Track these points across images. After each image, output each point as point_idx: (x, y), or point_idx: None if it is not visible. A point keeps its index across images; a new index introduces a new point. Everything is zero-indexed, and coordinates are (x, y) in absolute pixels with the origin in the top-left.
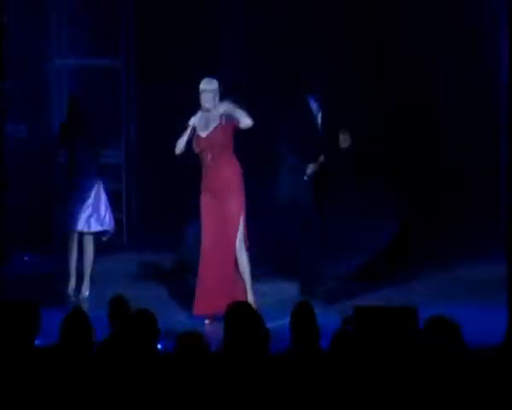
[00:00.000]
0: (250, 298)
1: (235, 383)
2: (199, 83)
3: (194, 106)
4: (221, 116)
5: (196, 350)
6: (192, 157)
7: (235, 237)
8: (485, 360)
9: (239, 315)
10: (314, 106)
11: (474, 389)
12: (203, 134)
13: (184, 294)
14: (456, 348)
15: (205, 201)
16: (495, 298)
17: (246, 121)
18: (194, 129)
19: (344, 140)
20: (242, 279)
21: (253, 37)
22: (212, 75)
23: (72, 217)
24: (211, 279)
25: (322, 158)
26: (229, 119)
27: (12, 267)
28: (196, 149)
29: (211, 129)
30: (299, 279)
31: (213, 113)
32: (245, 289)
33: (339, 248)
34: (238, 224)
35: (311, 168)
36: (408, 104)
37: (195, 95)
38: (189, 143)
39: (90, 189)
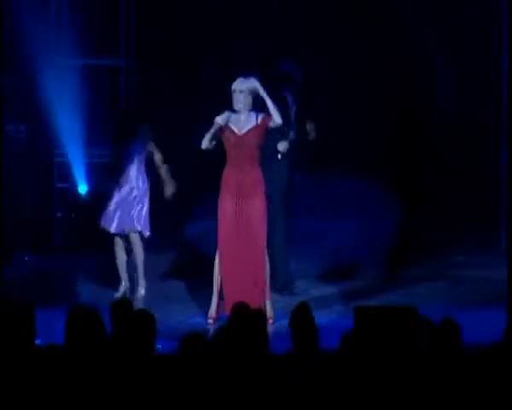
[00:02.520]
0: (268, 298)
1: (237, 384)
2: (199, 83)
3: (194, 106)
4: (257, 117)
5: (200, 351)
6: (193, 158)
7: (263, 239)
8: (486, 360)
9: (245, 316)
10: (289, 100)
11: (475, 388)
12: (238, 132)
13: (184, 294)
14: (454, 347)
15: (225, 200)
16: (495, 298)
17: (277, 119)
18: (219, 129)
19: (310, 130)
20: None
21: (250, 37)
22: (212, 75)
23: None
24: (238, 280)
25: (292, 135)
26: (264, 118)
27: (12, 267)
28: (227, 146)
29: (246, 129)
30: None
31: (246, 113)
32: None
33: (338, 247)
34: (264, 225)
35: (283, 145)
36: (408, 104)
37: (195, 94)
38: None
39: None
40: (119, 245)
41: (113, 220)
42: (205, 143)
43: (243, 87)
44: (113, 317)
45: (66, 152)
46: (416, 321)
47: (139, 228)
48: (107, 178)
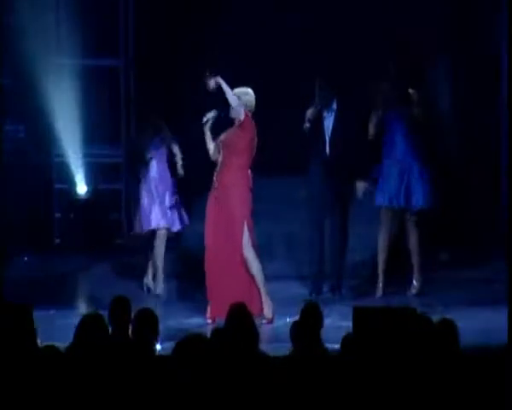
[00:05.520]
0: (264, 299)
1: (234, 383)
2: (199, 83)
3: (193, 106)
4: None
5: (199, 351)
6: (192, 157)
7: (242, 239)
8: (486, 361)
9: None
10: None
11: (475, 389)
12: (222, 135)
13: (183, 294)
14: (453, 348)
15: (211, 199)
16: (495, 298)
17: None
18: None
19: (359, 189)
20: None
21: (255, 38)
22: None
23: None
24: (222, 282)
25: (318, 106)
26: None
27: (11, 268)
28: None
29: (225, 134)
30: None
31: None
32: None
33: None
34: (242, 226)
35: (310, 112)
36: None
37: (195, 95)
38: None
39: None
40: (161, 238)
41: (148, 218)
42: (211, 153)
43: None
44: (111, 315)
45: (65, 152)
46: (415, 322)
47: (166, 224)
48: (130, 178)
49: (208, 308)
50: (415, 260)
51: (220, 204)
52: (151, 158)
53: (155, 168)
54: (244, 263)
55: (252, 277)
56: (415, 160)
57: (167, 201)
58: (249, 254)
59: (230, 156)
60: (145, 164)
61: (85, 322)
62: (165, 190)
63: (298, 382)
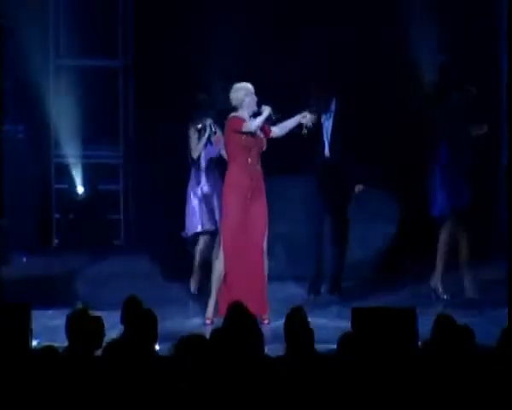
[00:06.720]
0: (266, 299)
1: (233, 384)
2: (197, 84)
3: (193, 106)
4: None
5: (198, 352)
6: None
7: (264, 238)
8: (485, 361)
9: (238, 316)
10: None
11: (473, 389)
12: (258, 133)
13: (183, 295)
14: (469, 351)
15: (237, 201)
16: (495, 298)
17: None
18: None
19: (358, 189)
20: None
21: (256, 38)
22: (211, 76)
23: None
24: (240, 281)
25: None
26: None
27: (11, 268)
28: (244, 146)
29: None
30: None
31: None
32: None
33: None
34: (266, 226)
35: (308, 119)
36: (408, 106)
37: (193, 95)
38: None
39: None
40: (200, 243)
41: (198, 221)
42: (256, 126)
43: None
44: (124, 315)
45: (65, 153)
46: (413, 322)
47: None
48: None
49: (212, 307)
50: (464, 261)
51: (250, 204)
52: (201, 157)
53: (208, 168)
54: (261, 262)
55: (264, 277)
56: (456, 162)
57: (214, 202)
58: (265, 253)
59: (260, 157)
60: (197, 164)
61: (72, 320)
62: (214, 190)
63: (288, 384)
